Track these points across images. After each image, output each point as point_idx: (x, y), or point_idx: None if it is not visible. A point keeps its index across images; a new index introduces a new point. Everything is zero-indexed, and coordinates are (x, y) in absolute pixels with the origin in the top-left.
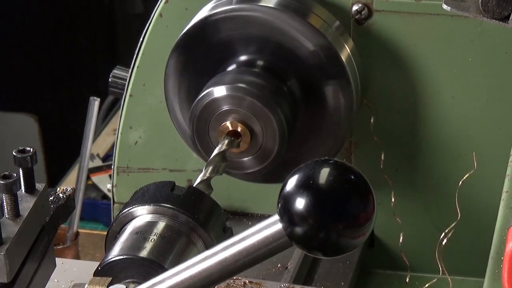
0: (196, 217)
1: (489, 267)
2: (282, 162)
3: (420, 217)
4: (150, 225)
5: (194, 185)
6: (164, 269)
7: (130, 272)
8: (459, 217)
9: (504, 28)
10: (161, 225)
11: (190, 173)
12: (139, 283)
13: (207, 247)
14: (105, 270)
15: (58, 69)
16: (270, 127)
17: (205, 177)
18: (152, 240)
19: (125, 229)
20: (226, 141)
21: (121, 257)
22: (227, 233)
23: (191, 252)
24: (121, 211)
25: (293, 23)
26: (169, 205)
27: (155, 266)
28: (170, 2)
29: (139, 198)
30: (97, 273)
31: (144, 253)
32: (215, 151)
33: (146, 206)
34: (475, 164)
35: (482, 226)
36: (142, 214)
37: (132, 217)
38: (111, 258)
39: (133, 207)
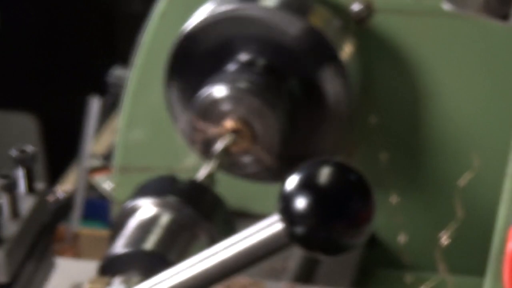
0: (199, 209)
1: (489, 267)
2: (282, 162)
3: (421, 216)
4: (153, 218)
5: (197, 179)
6: (167, 262)
7: (133, 265)
8: (459, 217)
9: (504, 27)
10: (164, 218)
11: (191, 172)
12: (143, 276)
13: (211, 239)
14: (109, 264)
15: (58, 69)
16: (271, 126)
17: (209, 171)
18: (156, 233)
19: (128, 223)
20: (229, 136)
21: (125, 250)
22: (230, 226)
23: (195, 245)
24: (124, 205)
25: (293, 23)
26: (172, 198)
27: (158, 258)
28: (171, 1)
29: (142, 191)
30: (101, 267)
31: (147, 246)
32: (219, 145)
33: (149, 199)
34: (475, 164)
35: (483, 225)
36: (145, 208)
37: (135, 211)
38: (114, 252)
39: (135, 201)
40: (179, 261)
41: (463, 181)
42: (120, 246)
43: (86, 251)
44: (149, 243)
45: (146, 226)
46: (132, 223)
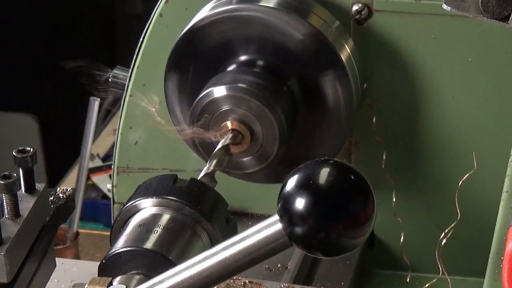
0: (199, 208)
1: (489, 267)
2: (282, 162)
3: (421, 217)
4: (154, 218)
5: (198, 178)
6: (168, 260)
7: (134, 264)
8: (459, 217)
9: (504, 28)
10: (164, 217)
11: (190, 173)
12: (143, 275)
13: (211, 238)
14: (110, 263)
15: (58, 69)
16: (270, 127)
17: (209, 170)
18: (156, 232)
19: (129, 223)
20: (230, 135)
21: (125, 249)
22: (230, 224)
23: (196, 244)
24: (124, 205)
25: (293, 23)
26: (172, 197)
27: (159, 257)
28: (170, 2)
29: (142, 191)
30: (101, 266)
31: (148, 245)
32: (219, 145)
33: (150, 199)
34: (475, 164)
35: (482, 226)
36: (146, 207)
37: (136, 211)
38: (115, 251)
39: (136, 201)
40: (179, 260)
41: (462, 181)
42: (120, 245)
43: (86, 251)
44: (150, 243)
45: (147, 226)
46: (133, 223)
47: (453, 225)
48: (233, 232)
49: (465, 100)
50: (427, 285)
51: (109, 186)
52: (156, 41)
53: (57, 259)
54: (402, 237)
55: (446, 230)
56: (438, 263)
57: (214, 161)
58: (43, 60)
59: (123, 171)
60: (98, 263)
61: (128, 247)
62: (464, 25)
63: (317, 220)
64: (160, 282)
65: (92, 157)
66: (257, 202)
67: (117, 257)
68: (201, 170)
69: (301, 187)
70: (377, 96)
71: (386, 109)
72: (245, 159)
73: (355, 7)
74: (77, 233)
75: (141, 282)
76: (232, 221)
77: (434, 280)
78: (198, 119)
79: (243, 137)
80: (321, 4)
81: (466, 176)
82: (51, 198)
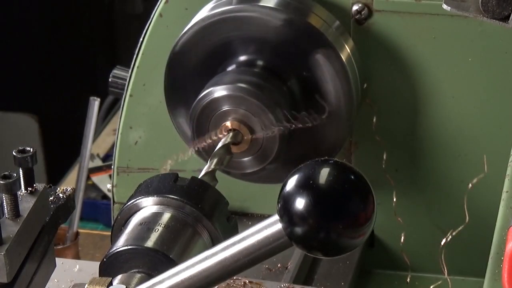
0: (200, 207)
1: (489, 267)
2: (282, 162)
3: (421, 216)
4: (155, 216)
5: (199, 177)
6: (169, 259)
7: (135, 263)
8: (467, 220)
9: (504, 28)
10: (165, 215)
11: (190, 173)
12: (144, 273)
13: (212, 237)
14: (111, 261)
15: (58, 69)
16: (270, 127)
17: (210, 169)
18: (157, 231)
19: (130, 221)
20: (231, 134)
21: (126, 247)
22: (231, 223)
23: (197, 242)
24: (125, 204)
25: (292, 23)
26: (173, 196)
27: (159, 256)
28: (170, 2)
29: (143, 190)
30: (102, 265)
31: (148, 243)
32: (220, 144)
33: (150, 198)
34: (486, 167)
35: (482, 226)
36: (147, 206)
37: (136, 209)
38: (116, 249)
39: (137, 199)
40: (180, 259)
41: (463, 182)
42: (121, 244)
43: (86, 251)
44: (151, 241)
45: (148, 224)
46: (134, 221)
47: (460, 228)
48: (234, 230)
49: (465, 100)
50: (430, 287)
51: (109, 186)
52: (156, 41)
53: (57, 259)
54: (402, 237)
55: (454, 233)
56: (440, 264)
57: (215, 160)
58: (43, 60)
59: (123, 171)
60: (98, 263)
61: (129, 245)
62: (464, 25)
63: (317, 220)
64: (160, 282)
65: (92, 157)
66: (257, 202)
67: (118, 256)
68: (201, 170)
69: (301, 187)
70: (377, 96)
71: (386, 109)
72: (245, 159)
73: (355, 7)
74: (77, 233)
75: (142, 280)
76: (233, 219)
77: (438, 282)
78: (198, 119)
79: (243, 137)
80: (321, 4)
81: (475, 180)
82: (51, 198)
